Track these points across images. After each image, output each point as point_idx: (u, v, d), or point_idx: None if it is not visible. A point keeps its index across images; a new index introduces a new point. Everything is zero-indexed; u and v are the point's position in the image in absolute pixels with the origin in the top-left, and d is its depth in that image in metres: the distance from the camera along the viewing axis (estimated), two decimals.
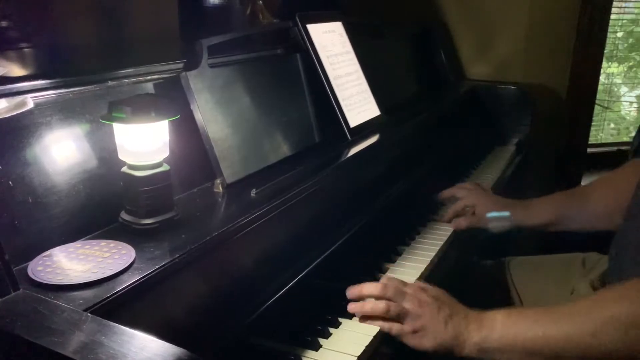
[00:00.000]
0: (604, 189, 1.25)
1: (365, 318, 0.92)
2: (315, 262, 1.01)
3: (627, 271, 0.94)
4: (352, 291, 0.95)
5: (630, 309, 0.78)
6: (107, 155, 0.86)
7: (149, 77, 0.96)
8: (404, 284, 0.95)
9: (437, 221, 1.32)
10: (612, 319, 0.79)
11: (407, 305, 0.90)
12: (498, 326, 0.86)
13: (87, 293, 0.66)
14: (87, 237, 0.80)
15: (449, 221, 1.31)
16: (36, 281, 0.68)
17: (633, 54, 2.46)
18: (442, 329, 0.87)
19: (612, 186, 1.22)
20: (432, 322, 0.88)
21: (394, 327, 0.90)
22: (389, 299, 0.91)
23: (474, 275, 1.45)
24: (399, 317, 0.90)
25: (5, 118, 0.73)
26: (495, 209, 1.31)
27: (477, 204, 1.33)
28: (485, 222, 1.30)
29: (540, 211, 1.29)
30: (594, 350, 0.79)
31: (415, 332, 0.88)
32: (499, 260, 1.44)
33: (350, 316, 0.93)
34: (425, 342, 0.88)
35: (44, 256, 0.73)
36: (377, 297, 0.92)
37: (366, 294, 0.93)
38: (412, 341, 0.89)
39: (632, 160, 1.24)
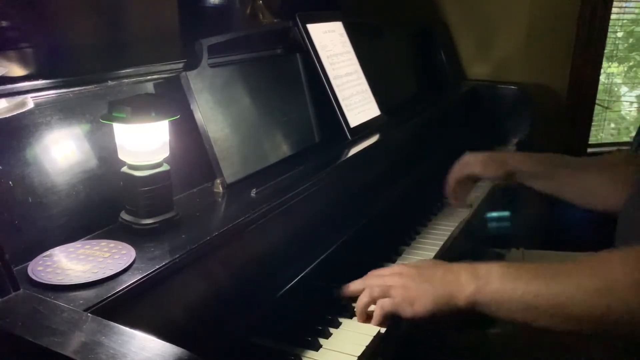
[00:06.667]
0: (600, 170, 1.23)
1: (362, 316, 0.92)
2: (315, 262, 1.01)
3: None
4: (342, 294, 0.96)
5: (633, 276, 0.75)
6: (107, 155, 0.86)
7: (149, 77, 0.96)
8: (385, 269, 0.96)
9: (438, 220, 1.32)
10: (616, 283, 0.76)
11: (389, 281, 0.90)
12: (494, 278, 0.83)
13: (87, 293, 0.66)
14: (87, 237, 0.80)
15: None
16: (36, 281, 0.68)
17: (633, 54, 2.46)
18: (429, 287, 0.86)
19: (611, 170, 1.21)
20: (417, 286, 0.87)
21: (384, 304, 0.89)
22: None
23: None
24: (386, 296, 0.89)
25: (5, 118, 0.73)
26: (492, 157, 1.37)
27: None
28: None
29: (535, 161, 1.32)
30: (595, 312, 0.77)
31: (405, 301, 0.87)
32: (508, 251, 1.46)
33: (350, 316, 0.93)
34: (419, 307, 0.86)
35: (44, 256, 0.73)
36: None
37: (353, 292, 0.94)
38: (407, 311, 0.87)
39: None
